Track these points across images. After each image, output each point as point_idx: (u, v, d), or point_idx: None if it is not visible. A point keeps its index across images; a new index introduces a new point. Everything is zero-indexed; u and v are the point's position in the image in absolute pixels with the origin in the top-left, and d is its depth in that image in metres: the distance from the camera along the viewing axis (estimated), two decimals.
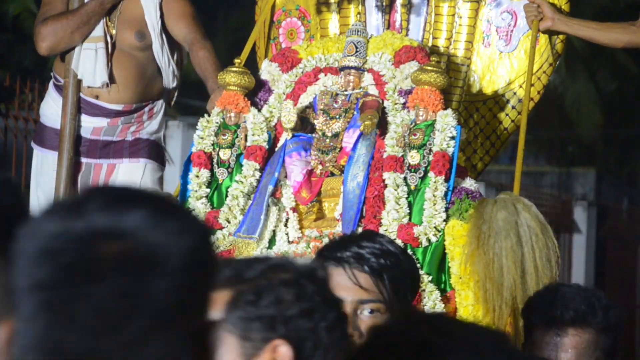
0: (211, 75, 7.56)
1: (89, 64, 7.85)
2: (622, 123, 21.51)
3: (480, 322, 6.10)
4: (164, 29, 8.01)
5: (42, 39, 8.05)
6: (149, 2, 7.95)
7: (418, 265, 6.09)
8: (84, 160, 7.89)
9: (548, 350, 4.37)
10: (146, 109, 8.03)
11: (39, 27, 8.17)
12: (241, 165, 6.98)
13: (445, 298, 6.44)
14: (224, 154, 6.99)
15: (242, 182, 6.94)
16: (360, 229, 6.59)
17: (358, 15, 7.08)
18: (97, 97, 7.88)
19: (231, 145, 6.97)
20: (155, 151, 8.07)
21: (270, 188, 6.84)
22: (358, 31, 6.91)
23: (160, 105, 8.09)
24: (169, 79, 8.01)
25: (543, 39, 7.20)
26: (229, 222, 6.90)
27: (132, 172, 7.91)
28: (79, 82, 7.89)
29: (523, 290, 6.13)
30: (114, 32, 7.98)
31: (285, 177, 6.93)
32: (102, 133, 7.92)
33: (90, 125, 7.86)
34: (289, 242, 6.80)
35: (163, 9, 7.96)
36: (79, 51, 7.93)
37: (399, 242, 6.26)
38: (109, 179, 7.98)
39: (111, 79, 7.89)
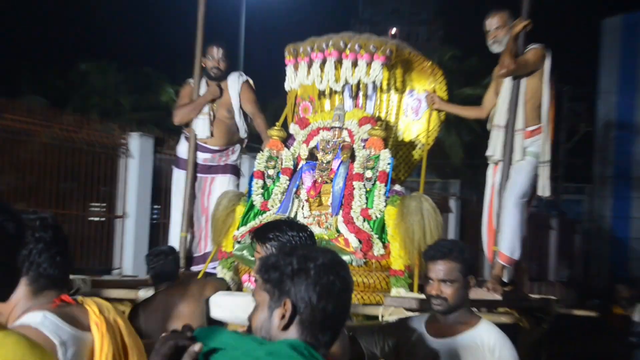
0: (263, 131, 8.30)
1: (201, 126, 8.58)
2: (472, 156, 22.46)
3: (401, 259, 7.00)
4: (240, 107, 8.70)
5: (175, 117, 8.72)
6: (234, 94, 8.65)
7: (371, 231, 7.13)
8: (199, 175, 8.70)
9: (433, 273, 4.68)
10: (230, 149, 8.80)
11: (175, 111, 8.82)
12: (279, 178, 7.75)
13: (385, 246, 7.06)
14: (271, 172, 7.79)
15: (279, 186, 7.69)
16: (341, 211, 7.36)
17: (340, 100, 7.92)
18: (205, 143, 8.65)
19: (274, 167, 7.78)
20: (235, 170, 8.82)
21: (294, 189, 7.62)
22: (339, 109, 7.72)
23: (238, 147, 8.83)
24: (243, 133, 8.77)
25: (435, 113, 8.07)
26: (273, 207, 7.60)
27: (222, 182, 8.70)
28: (195, 135, 8.61)
29: (424, 242, 6.72)
30: (215, 109, 8.64)
31: (302, 183, 7.65)
32: (208, 161, 8.69)
33: (202, 156, 8.64)
34: (304, 217, 7.43)
35: (240, 96, 8.66)
36: (195, 119, 8.62)
37: (361, 219, 7.20)
38: (211, 185, 8.76)
39: (212, 134, 8.70)
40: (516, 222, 7.51)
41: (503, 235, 7.50)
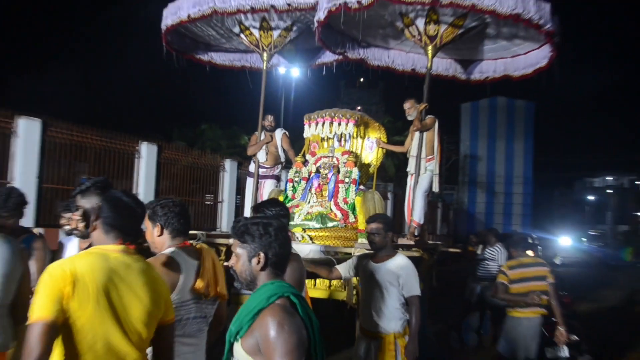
0: (292, 158, 7.95)
1: (261, 155, 8.23)
2: (399, 171, 22.61)
3: (363, 222, 6.71)
4: (281, 145, 8.34)
5: (248, 150, 8.34)
6: (278, 139, 8.29)
7: (348, 209, 7.00)
8: (261, 180, 8.27)
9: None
10: (276, 166, 8.41)
11: (248, 147, 8.42)
12: (301, 182, 7.63)
13: (355, 217, 6.96)
14: (297, 179, 7.66)
15: (301, 186, 7.58)
16: (333, 199, 7.21)
17: (332, 142, 7.67)
18: (263, 164, 8.29)
19: (299, 176, 7.65)
20: (277, 178, 8.43)
21: (309, 188, 7.51)
22: (332, 148, 7.63)
23: (279, 165, 8.42)
24: (282, 159, 8.39)
25: (380, 150, 7.93)
26: (297, 197, 7.50)
27: (270, 184, 8.28)
28: (258, 160, 8.26)
29: (374, 214, 7.20)
30: (268, 146, 8.29)
31: (313, 185, 7.50)
32: (264, 173, 8.29)
33: (261, 171, 8.25)
34: (314, 202, 7.32)
35: (281, 140, 8.30)
36: (258, 152, 8.27)
37: (342, 203, 7.07)
38: (264, 184, 8.30)
39: (266, 159, 8.30)
40: (422, 204, 7.43)
41: (415, 211, 7.43)
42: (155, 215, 2.92)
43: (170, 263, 2.73)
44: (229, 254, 6.25)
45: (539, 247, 20.67)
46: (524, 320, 5.57)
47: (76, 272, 2.16)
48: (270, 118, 8.43)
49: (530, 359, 5.49)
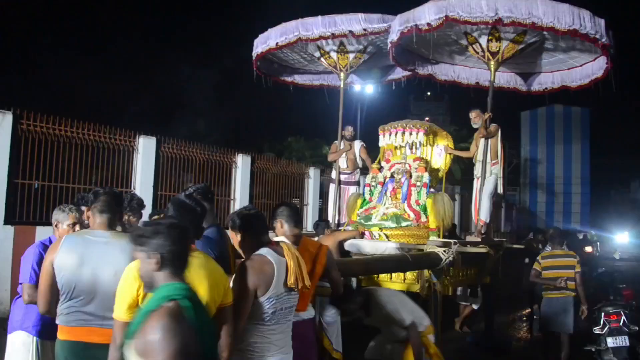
0: (369, 165, 7.85)
1: (342, 162, 8.29)
2: (465, 175, 21.81)
3: (434, 223, 6.68)
4: (360, 155, 8.42)
5: (329, 157, 8.41)
6: (357, 149, 8.38)
7: (420, 210, 6.82)
8: (341, 186, 8.35)
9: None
10: (355, 172, 8.46)
11: (329, 155, 8.42)
12: (377, 186, 7.50)
13: (427, 217, 6.77)
14: (373, 184, 7.54)
15: (378, 190, 7.45)
16: (406, 201, 7.02)
17: (404, 150, 7.53)
18: (344, 170, 8.35)
19: (375, 181, 7.52)
20: (357, 183, 8.45)
21: (384, 191, 7.36)
22: (405, 154, 7.48)
23: (358, 170, 8.47)
24: (360, 165, 8.46)
25: (448, 156, 7.77)
26: (374, 199, 7.35)
27: (353, 189, 8.32)
28: (339, 168, 8.34)
29: (445, 216, 6.64)
30: (347, 155, 8.28)
31: (388, 189, 7.36)
32: (345, 179, 8.38)
33: (342, 177, 8.28)
34: (389, 204, 7.15)
35: (360, 151, 8.41)
36: (339, 159, 8.34)
37: (415, 204, 6.91)
38: (349, 190, 8.30)
39: (347, 165, 8.36)
40: (487, 205, 7.31)
41: (481, 211, 7.33)
42: (244, 224, 2.89)
43: (264, 262, 2.71)
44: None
45: (597, 243, 19.71)
46: (554, 300, 6.31)
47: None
48: (350, 129, 8.49)
49: (568, 333, 6.20)
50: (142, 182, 8.53)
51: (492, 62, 7.15)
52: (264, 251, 2.78)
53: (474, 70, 8.85)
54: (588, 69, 7.83)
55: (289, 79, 9.45)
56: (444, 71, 8.87)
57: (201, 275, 2.37)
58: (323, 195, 12.49)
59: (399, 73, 9.08)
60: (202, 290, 2.31)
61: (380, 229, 6.89)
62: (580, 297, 6.26)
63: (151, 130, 8.97)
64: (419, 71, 8.64)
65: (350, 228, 7.30)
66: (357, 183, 8.61)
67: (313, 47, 8.04)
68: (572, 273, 6.36)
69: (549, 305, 6.43)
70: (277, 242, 2.88)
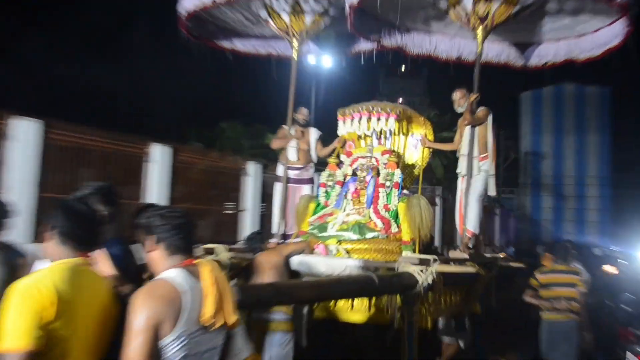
0: (328, 147, 8.22)
1: (291, 154, 8.38)
2: (448, 173, 22.10)
3: (408, 234, 6.80)
4: (315, 147, 8.56)
5: (273, 144, 8.53)
6: (313, 140, 8.51)
7: (390, 218, 7.01)
8: (291, 185, 8.43)
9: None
10: (308, 165, 8.54)
11: (273, 141, 8.60)
12: (335, 187, 7.70)
13: (398, 226, 6.93)
14: (330, 183, 7.73)
15: (335, 191, 7.65)
16: (372, 206, 7.22)
17: (370, 141, 7.71)
18: (293, 164, 8.42)
19: (332, 181, 7.72)
20: (312, 182, 8.58)
21: (344, 193, 7.55)
22: (370, 145, 7.65)
23: (312, 164, 8.58)
24: (315, 159, 8.56)
25: (426, 149, 7.92)
26: (331, 204, 7.56)
27: (306, 189, 8.42)
28: (287, 161, 8.42)
29: (422, 224, 6.75)
30: (299, 145, 8.43)
31: (349, 190, 7.52)
32: (296, 176, 8.46)
33: (292, 173, 8.41)
34: (350, 209, 7.32)
35: (316, 143, 8.54)
36: (289, 150, 8.42)
37: (384, 210, 7.14)
38: (300, 191, 8.40)
39: (298, 157, 8.43)
40: (476, 210, 7.43)
41: (468, 219, 7.42)
42: (150, 227, 2.75)
43: (169, 290, 2.54)
44: (244, 271, 6.25)
45: (621, 262, 19.03)
46: (555, 324, 6.59)
47: (55, 289, 2.30)
48: (304, 111, 8.57)
49: None
50: (20, 180, 8.02)
51: (479, 30, 7.26)
52: (173, 273, 2.60)
53: (456, 41, 8.92)
54: (602, 36, 7.92)
55: (227, 45, 9.25)
56: (417, 42, 8.96)
57: (102, 298, 2.40)
58: (266, 197, 12.37)
59: (369, 44, 9.15)
60: (80, 319, 2.34)
61: (339, 241, 6.94)
62: (582, 320, 6.59)
63: (36, 113, 8.45)
64: (385, 43, 8.70)
65: (299, 240, 7.35)
66: (311, 182, 8.71)
67: (259, 4, 7.98)
68: (574, 292, 6.67)
69: (548, 330, 6.73)
70: (196, 261, 2.75)
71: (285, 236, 8.30)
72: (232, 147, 22.50)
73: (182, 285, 2.55)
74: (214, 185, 12.02)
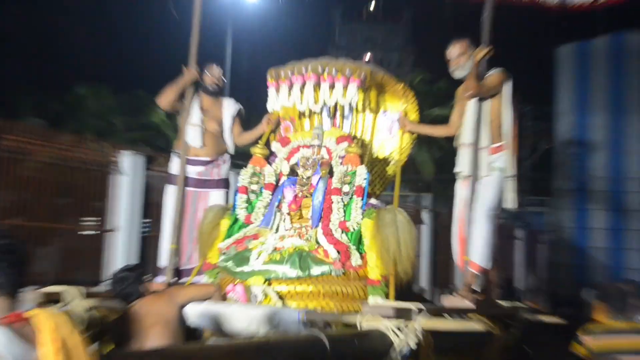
0: (253, 130, 8.54)
1: (193, 136, 8.48)
2: (442, 171, 22.44)
3: (377, 269, 6.88)
4: (231, 127, 8.76)
5: (160, 100, 8.67)
6: (228, 115, 8.74)
7: (349, 242, 7.10)
8: (193, 189, 8.56)
9: None
10: (220, 159, 8.71)
11: (160, 98, 8.74)
12: (262, 193, 7.82)
13: (362, 257, 6.97)
14: (254, 187, 7.87)
15: (262, 200, 7.76)
16: (320, 223, 7.33)
17: (318, 120, 7.95)
18: (196, 155, 8.53)
19: (257, 183, 7.86)
20: (226, 183, 8.77)
21: (276, 203, 7.63)
22: (318, 128, 7.78)
23: (227, 157, 8.78)
24: (231, 149, 8.77)
25: (408, 133, 8.12)
26: (256, 220, 7.65)
27: (218, 197, 8.59)
28: (186, 151, 8.51)
29: (399, 253, 6.80)
30: (206, 121, 8.61)
31: (284, 198, 7.64)
32: (202, 174, 8.60)
33: (195, 170, 8.51)
34: (285, 230, 7.44)
35: (234, 120, 8.77)
36: (188, 130, 8.52)
37: (339, 231, 7.25)
38: (206, 199, 8.62)
39: (203, 144, 8.56)
40: (485, 232, 7.48)
41: (473, 245, 7.45)
42: None
43: None
44: (113, 329, 6.13)
45: None
46: None
47: None
48: (216, 72, 8.81)
49: None
50: None
51: None
52: None
53: None
54: None
55: None
56: None
57: None
58: (151, 209, 12.34)
59: None
60: None
61: (267, 280, 6.96)
62: None
63: None
64: None
65: (204, 280, 7.48)
66: (224, 185, 8.89)
67: None
68: None
69: None
70: (28, 314, 2.81)
71: (180, 272, 8.44)
72: (95, 126, 22.28)
73: (7, 351, 2.59)
74: (63, 189, 11.74)
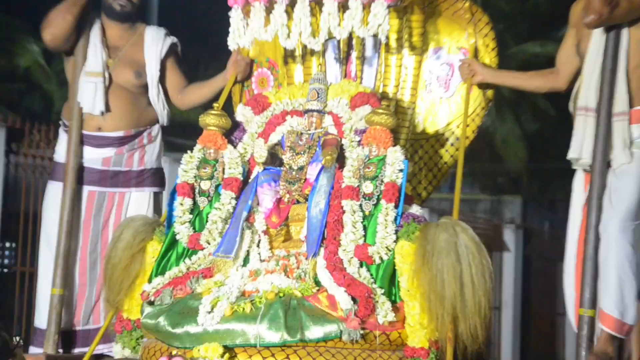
0: (209, 81, 8.67)
1: (89, 94, 8.55)
2: (543, 158, 22.23)
3: (423, 330, 6.92)
4: (159, 80, 8.92)
5: (45, 30, 8.81)
6: (154, 56, 8.86)
7: (373, 283, 7.13)
8: (96, 189, 8.67)
9: None
10: (145, 133, 8.84)
11: (46, 27, 8.85)
12: (219, 195, 7.79)
13: (396, 308, 6.96)
14: (205, 185, 7.85)
15: (220, 209, 7.72)
16: (322, 249, 7.35)
17: (319, 66, 7.97)
18: (99, 129, 8.65)
19: (211, 177, 7.84)
20: (158, 177, 8.97)
21: (245, 214, 7.61)
22: (319, 80, 7.76)
23: (157, 129, 8.94)
24: (162, 118, 8.96)
25: (476, 88, 8.16)
26: (209, 244, 7.65)
27: (140, 202, 8.78)
28: (82, 121, 8.66)
29: (462, 301, 6.82)
30: (111, 67, 8.76)
31: (258, 204, 7.70)
32: (111, 163, 8.70)
33: (99, 156, 8.60)
34: (260, 260, 7.46)
35: (165, 65, 8.99)
36: (82, 84, 8.64)
37: (356, 262, 7.25)
38: (121, 207, 8.74)
39: (108, 108, 8.70)
40: (626, 260, 7.43)
41: (606, 285, 7.42)
42: None
43: None
44: None
45: None
46: None
47: None
48: None
49: None
50: None
51: None
52: None
53: None
54: None
55: None
56: None
57: None
58: (16, 224, 12.36)
59: None
60: None
61: (229, 350, 6.92)
62: None
63: None
64: None
65: (115, 350, 7.55)
66: (154, 181, 9.07)
67: None
68: None
69: None
70: None
71: (74, 336, 8.59)
72: None
73: None
74: None
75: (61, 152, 8.77)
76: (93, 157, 8.71)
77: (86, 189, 8.72)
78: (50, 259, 8.57)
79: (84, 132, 8.68)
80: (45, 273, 8.59)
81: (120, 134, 8.76)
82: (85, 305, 8.61)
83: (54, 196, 8.74)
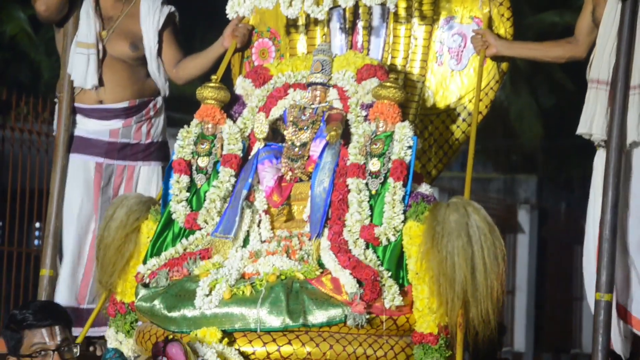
0: (205, 50, 8.63)
1: (81, 67, 8.57)
2: (559, 134, 22.14)
3: (432, 315, 6.91)
4: (158, 52, 8.91)
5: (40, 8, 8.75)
6: (150, 27, 8.83)
7: (380, 265, 7.17)
8: (102, 160, 8.75)
9: None
10: (151, 104, 8.92)
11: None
12: (218, 172, 7.82)
13: (403, 292, 7.01)
14: (202, 162, 7.85)
15: (218, 187, 7.74)
16: (326, 230, 7.38)
17: (323, 37, 7.99)
18: (101, 102, 8.73)
19: (209, 154, 7.84)
20: (163, 151, 8.98)
21: (245, 192, 7.64)
22: (324, 51, 7.76)
23: (161, 100, 8.98)
24: (162, 90, 9.01)
25: (490, 60, 8.09)
26: (207, 223, 7.69)
27: (150, 176, 8.89)
28: (73, 92, 8.73)
29: (473, 285, 6.81)
30: (105, 38, 8.74)
31: (258, 182, 7.73)
32: (119, 135, 8.76)
33: (106, 128, 8.71)
34: (261, 241, 7.52)
35: (163, 36, 8.92)
36: (73, 55, 8.64)
37: (362, 243, 7.26)
38: (131, 181, 8.84)
39: (102, 82, 8.72)
40: None
41: (630, 276, 7.43)
42: None
43: None
44: None
45: None
46: None
47: None
48: None
49: None
50: None
51: None
52: None
53: None
54: None
55: None
56: None
57: None
58: (4, 201, 12.39)
59: None
60: None
61: (228, 335, 6.97)
62: None
63: None
64: None
65: (109, 334, 7.59)
66: (160, 155, 9.13)
67: None
68: None
69: None
70: None
71: (79, 313, 8.60)
72: None
73: None
74: None
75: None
76: (99, 128, 8.79)
77: (92, 160, 8.77)
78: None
79: (85, 105, 8.74)
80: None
81: (125, 104, 8.82)
82: (93, 281, 8.66)
83: (75, 170, 8.84)
